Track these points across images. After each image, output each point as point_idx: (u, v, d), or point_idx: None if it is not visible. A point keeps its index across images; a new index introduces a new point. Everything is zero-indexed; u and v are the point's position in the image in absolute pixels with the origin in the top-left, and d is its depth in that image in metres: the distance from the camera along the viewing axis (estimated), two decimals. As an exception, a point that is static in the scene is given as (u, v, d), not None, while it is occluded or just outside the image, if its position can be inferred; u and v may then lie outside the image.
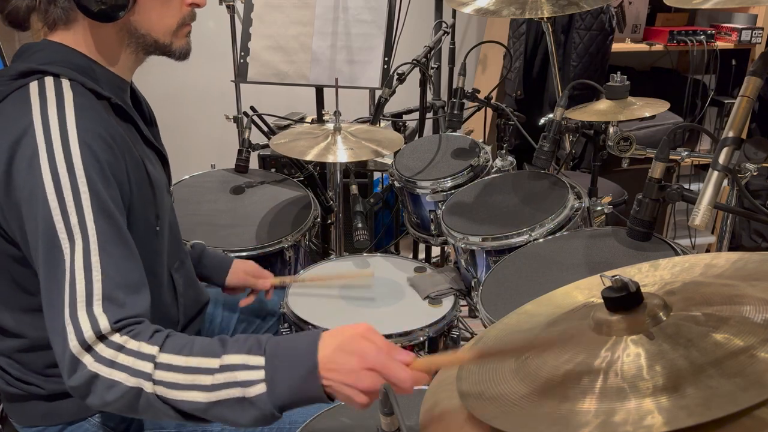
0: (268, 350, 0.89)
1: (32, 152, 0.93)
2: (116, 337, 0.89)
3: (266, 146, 2.21)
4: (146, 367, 0.88)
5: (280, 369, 0.88)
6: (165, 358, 0.89)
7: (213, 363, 0.88)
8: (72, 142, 0.94)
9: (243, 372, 0.87)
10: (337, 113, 1.69)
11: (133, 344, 0.89)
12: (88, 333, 0.88)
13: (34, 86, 0.99)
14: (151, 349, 0.89)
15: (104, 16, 1.00)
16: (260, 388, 0.87)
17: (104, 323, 0.89)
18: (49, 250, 0.92)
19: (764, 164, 1.02)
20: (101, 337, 0.89)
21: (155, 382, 0.88)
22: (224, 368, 0.88)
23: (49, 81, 0.99)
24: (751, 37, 2.88)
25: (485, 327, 1.30)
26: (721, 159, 0.96)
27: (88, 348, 0.88)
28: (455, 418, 0.68)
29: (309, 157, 1.62)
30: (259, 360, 0.88)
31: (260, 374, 0.87)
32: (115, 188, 0.98)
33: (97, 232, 0.92)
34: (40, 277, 0.94)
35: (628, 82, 1.54)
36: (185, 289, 1.25)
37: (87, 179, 0.93)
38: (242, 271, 1.47)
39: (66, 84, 0.99)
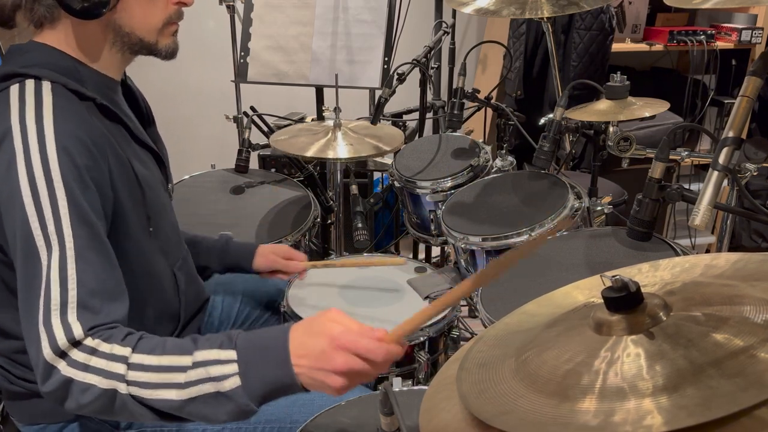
0: (239, 344, 0.89)
1: (10, 157, 0.93)
2: (89, 341, 0.89)
3: (266, 146, 2.21)
4: (119, 368, 0.88)
5: (253, 361, 0.88)
6: (137, 358, 0.89)
7: (185, 360, 0.89)
8: (49, 147, 0.93)
9: (216, 367, 0.88)
10: (337, 109, 1.69)
11: (105, 347, 0.89)
12: (61, 340, 0.88)
13: (14, 90, 0.98)
14: (124, 351, 0.89)
15: (87, 13, 0.99)
16: (234, 382, 0.87)
17: (78, 331, 0.89)
18: (26, 256, 0.92)
19: (764, 164, 1.02)
20: (75, 344, 0.89)
21: (129, 383, 0.88)
22: (197, 365, 0.88)
23: (29, 84, 0.98)
24: (751, 37, 2.88)
25: (485, 327, 1.30)
26: (721, 159, 0.96)
27: (62, 354, 0.88)
28: (455, 418, 0.68)
29: (309, 154, 1.63)
30: (231, 354, 0.88)
31: (233, 368, 0.87)
32: (95, 194, 0.97)
33: (74, 239, 0.92)
34: (18, 282, 0.94)
35: (628, 82, 1.54)
36: (187, 286, 1.25)
37: (64, 185, 0.93)
38: (271, 252, 1.47)
39: (47, 87, 0.98)
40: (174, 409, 0.89)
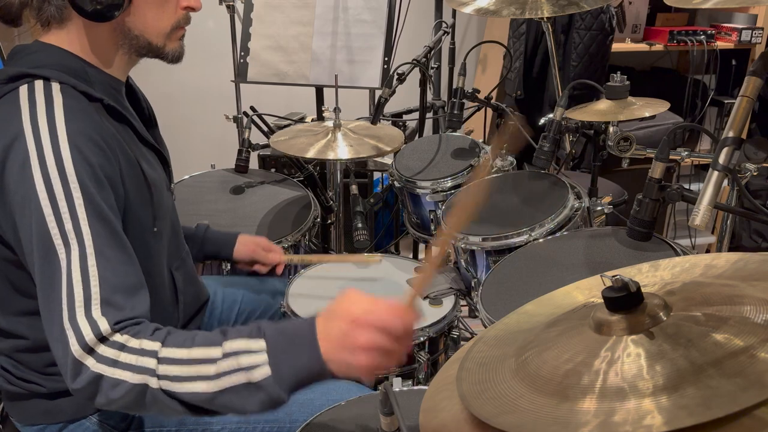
0: (268, 333, 0.90)
1: (23, 158, 0.93)
2: (117, 337, 0.90)
3: (266, 146, 2.21)
4: (149, 363, 0.88)
5: (282, 349, 0.88)
6: (167, 352, 0.89)
7: (215, 352, 0.89)
8: (63, 147, 0.94)
9: (246, 357, 0.88)
10: (336, 109, 1.69)
11: (134, 342, 0.90)
12: (89, 336, 0.88)
13: (23, 90, 0.98)
14: (153, 345, 0.89)
15: (99, 15, 1.00)
16: (265, 371, 0.87)
17: (104, 326, 0.89)
18: (44, 256, 0.92)
19: (764, 164, 1.02)
20: (102, 339, 0.89)
21: (159, 377, 0.88)
22: (227, 356, 0.88)
23: (38, 84, 0.98)
24: (751, 37, 2.88)
25: (485, 327, 1.30)
26: (721, 159, 0.96)
27: (90, 351, 0.89)
28: (455, 418, 0.68)
29: (309, 155, 1.63)
30: (261, 344, 0.88)
31: (263, 357, 0.87)
32: (109, 191, 0.98)
33: (93, 236, 0.92)
34: (36, 283, 0.94)
35: (628, 82, 1.54)
36: (185, 287, 1.25)
37: (79, 184, 0.93)
38: (252, 242, 1.51)
39: (56, 87, 0.99)
40: (205, 402, 0.89)
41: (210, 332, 0.93)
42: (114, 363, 0.88)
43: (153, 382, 0.88)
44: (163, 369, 0.88)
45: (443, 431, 0.69)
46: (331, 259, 1.65)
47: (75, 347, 0.88)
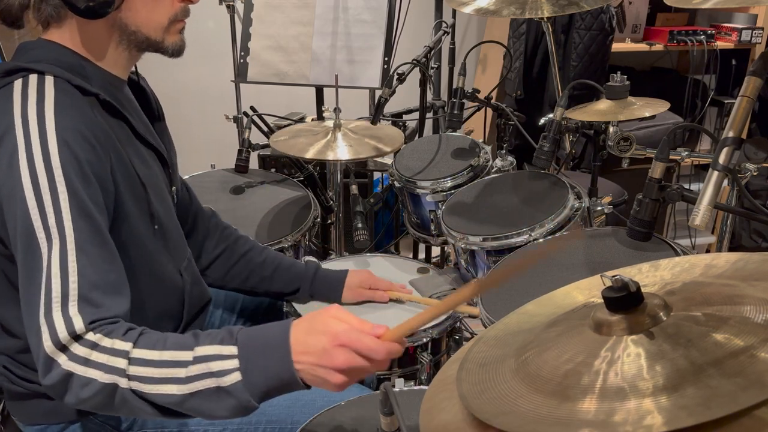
0: (240, 339, 0.90)
1: (12, 150, 0.93)
2: (90, 336, 0.90)
3: (266, 146, 2.21)
4: (120, 363, 0.88)
5: (254, 356, 0.88)
6: (138, 353, 0.89)
7: (186, 355, 0.89)
8: (51, 141, 0.94)
9: (216, 362, 0.88)
10: (336, 109, 1.69)
11: (106, 342, 0.89)
12: (62, 334, 0.88)
13: (18, 84, 0.98)
14: (125, 345, 0.89)
15: (92, 12, 1.00)
16: (235, 377, 0.87)
17: (79, 324, 0.89)
18: (27, 249, 0.92)
19: (764, 164, 1.02)
20: (76, 337, 0.89)
21: (130, 378, 0.88)
22: (197, 360, 0.88)
23: (33, 78, 0.99)
24: (751, 37, 2.88)
25: (485, 327, 1.30)
26: (721, 159, 0.96)
27: (62, 348, 0.89)
28: (455, 418, 0.68)
29: (309, 155, 1.62)
30: (232, 349, 0.89)
31: (234, 363, 0.88)
32: (96, 188, 0.97)
33: (75, 232, 0.92)
34: (19, 275, 0.94)
35: (628, 82, 1.54)
36: (192, 287, 1.25)
37: (65, 178, 0.93)
38: (357, 285, 1.45)
39: (49, 81, 0.99)
40: (174, 404, 0.89)
41: (183, 335, 0.93)
42: (85, 362, 0.88)
43: (123, 383, 0.88)
44: (134, 370, 0.88)
45: (443, 431, 0.69)
46: (438, 308, 1.44)
47: (47, 343, 0.88)
